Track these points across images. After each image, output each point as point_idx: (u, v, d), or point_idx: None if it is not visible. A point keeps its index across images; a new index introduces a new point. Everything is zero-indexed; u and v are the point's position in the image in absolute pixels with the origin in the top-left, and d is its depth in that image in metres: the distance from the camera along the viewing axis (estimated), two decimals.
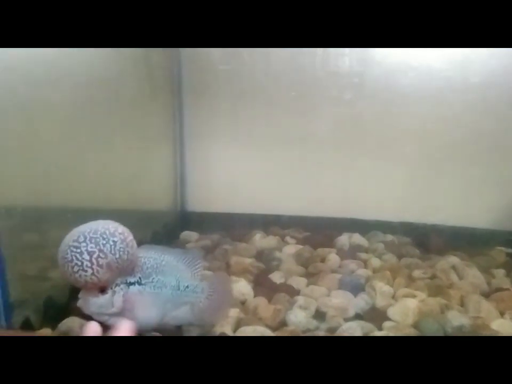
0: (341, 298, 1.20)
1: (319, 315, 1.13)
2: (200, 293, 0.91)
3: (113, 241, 0.80)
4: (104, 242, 0.79)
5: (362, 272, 1.39)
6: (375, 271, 1.40)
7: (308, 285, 1.30)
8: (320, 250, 1.55)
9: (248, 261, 1.43)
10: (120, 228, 0.83)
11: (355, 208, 1.76)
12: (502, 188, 1.68)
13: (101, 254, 0.79)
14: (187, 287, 0.90)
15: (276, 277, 1.33)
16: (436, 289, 1.26)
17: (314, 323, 1.10)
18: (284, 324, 1.09)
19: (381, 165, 1.72)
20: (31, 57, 0.99)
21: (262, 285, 1.27)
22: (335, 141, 1.75)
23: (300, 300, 1.17)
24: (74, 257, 0.78)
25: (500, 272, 1.40)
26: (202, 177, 1.87)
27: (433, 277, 1.36)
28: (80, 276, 0.78)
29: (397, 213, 1.74)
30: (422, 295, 1.22)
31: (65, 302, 1.08)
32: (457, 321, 1.07)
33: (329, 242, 1.62)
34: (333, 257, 1.48)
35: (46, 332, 0.99)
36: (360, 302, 1.19)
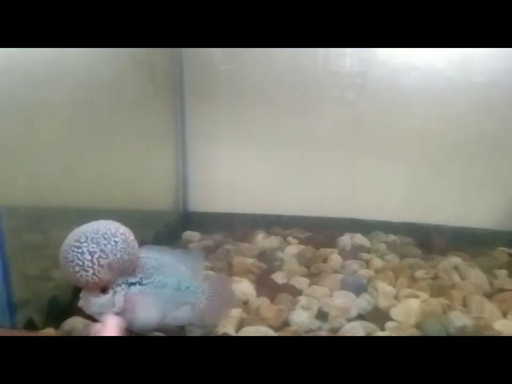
0: (343, 299, 1.20)
1: (322, 315, 1.14)
2: (200, 293, 0.91)
3: (115, 241, 0.80)
4: (106, 242, 0.79)
5: (364, 272, 1.39)
6: (377, 271, 1.40)
7: (310, 285, 1.30)
8: (322, 251, 1.55)
9: (250, 261, 1.43)
10: (122, 228, 0.83)
11: (357, 208, 1.76)
12: (504, 188, 1.67)
13: (102, 254, 0.79)
14: (188, 287, 0.90)
15: (278, 277, 1.33)
16: (438, 290, 1.26)
17: (316, 323, 1.10)
18: (286, 324, 1.09)
19: (383, 165, 1.72)
20: (32, 58, 0.99)
21: (264, 285, 1.27)
22: (337, 141, 1.75)
23: (302, 300, 1.17)
24: (75, 257, 0.78)
25: (502, 273, 1.40)
26: (204, 178, 1.87)
27: (435, 277, 1.36)
28: (81, 275, 0.79)
29: (399, 213, 1.74)
30: (424, 295, 1.22)
31: (69, 302, 1.08)
32: (459, 322, 1.07)
33: (331, 243, 1.62)
34: (335, 258, 1.48)
35: (49, 331, 0.99)
36: (362, 303, 1.19)
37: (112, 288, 0.83)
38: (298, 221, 1.78)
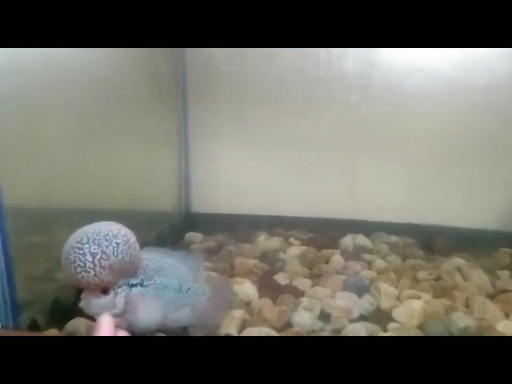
0: (345, 300, 1.20)
1: (324, 316, 1.14)
2: (201, 295, 0.91)
3: (116, 243, 0.81)
4: (107, 244, 0.80)
5: (366, 273, 1.39)
6: (379, 272, 1.40)
7: (312, 286, 1.30)
8: (325, 252, 1.55)
9: (252, 262, 1.43)
10: (123, 230, 0.83)
11: (359, 209, 1.76)
12: (507, 189, 1.67)
13: (103, 256, 0.79)
14: (189, 289, 0.90)
15: (281, 278, 1.34)
16: (441, 291, 1.26)
17: (319, 324, 1.10)
18: (289, 325, 1.09)
19: (385, 166, 1.72)
20: (36, 59, 1.00)
21: (266, 286, 1.28)
22: (339, 142, 1.76)
23: (305, 301, 1.18)
24: (77, 258, 0.79)
25: (505, 274, 1.40)
26: (207, 179, 1.87)
27: (438, 278, 1.36)
28: (82, 277, 0.79)
29: (401, 214, 1.74)
30: (426, 296, 1.22)
31: (72, 303, 1.08)
32: (462, 323, 1.07)
33: (333, 244, 1.62)
34: (337, 259, 1.48)
35: (52, 332, 0.99)
36: (364, 303, 1.19)
37: (113, 290, 0.83)
38: (300, 222, 1.78)
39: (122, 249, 0.81)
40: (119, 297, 0.84)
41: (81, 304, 0.85)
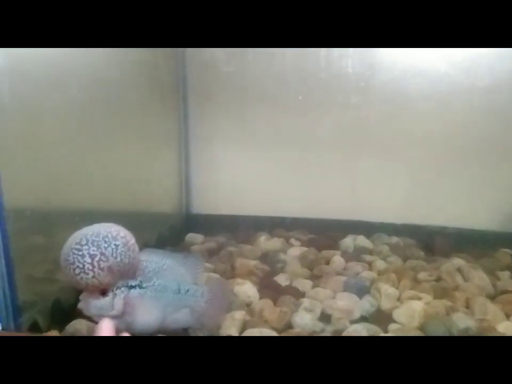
0: (346, 301, 1.20)
1: (325, 317, 1.14)
2: (199, 297, 0.91)
3: (115, 244, 0.81)
4: (106, 245, 0.80)
5: (367, 274, 1.39)
6: (380, 273, 1.40)
7: (313, 287, 1.30)
8: (325, 253, 1.55)
9: (253, 263, 1.43)
10: (122, 232, 0.84)
11: (359, 210, 1.76)
12: (507, 189, 1.67)
13: (102, 257, 0.79)
14: (188, 290, 0.90)
15: (281, 279, 1.34)
16: (442, 292, 1.26)
17: (320, 325, 1.10)
18: (289, 326, 1.09)
19: (386, 167, 1.72)
20: (37, 60, 1.00)
21: (267, 287, 1.27)
22: (340, 143, 1.76)
23: (305, 302, 1.18)
24: (76, 260, 0.79)
25: (506, 274, 1.40)
26: (208, 180, 1.87)
27: (438, 279, 1.36)
28: (81, 278, 0.79)
29: (402, 215, 1.74)
30: (427, 297, 1.22)
31: (73, 304, 1.08)
32: (463, 324, 1.07)
33: (333, 245, 1.62)
34: (338, 260, 1.48)
35: (53, 334, 0.99)
36: (365, 304, 1.19)
37: (112, 291, 0.84)
38: (301, 223, 1.79)
39: (121, 251, 0.81)
40: (117, 298, 0.84)
41: (80, 305, 0.85)
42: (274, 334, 1.04)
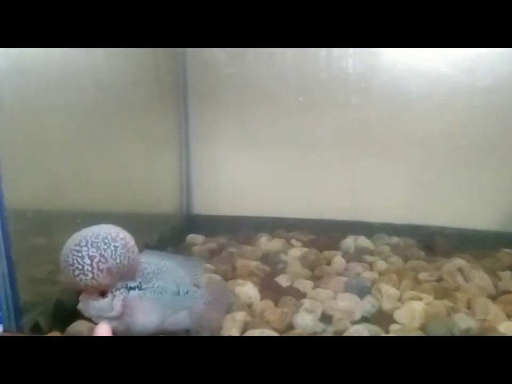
0: (347, 301, 1.20)
1: (326, 318, 1.13)
2: (198, 298, 0.91)
3: (115, 246, 0.81)
4: (106, 247, 0.80)
5: (368, 274, 1.38)
6: (381, 273, 1.40)
7: (314, 288, 1.30)
8: (326, 253, 1.55)
9: (253, 264, 1.43)
10: (122, 233, 0.84)
11: (360, 211, 1.76)
12: (508, 189, 1.67)
13: (101, 259, 0.80)
14: (187, 292, 0.90)
15: (282, 280, 1.34)
16: (443, 292, 1.25)
17: (321, 326, 1.10)
18: (290, 327, 1.09)
19: (387, 167, 1.72)
20: (38, 61, 1.00)
21: (268, 288, 1.27)
22: (340, 144, 1.76)
23: (306, 303, 1.17)
24: (75, 261, 0.79)
25: (507, 275, 1.40)
26: (208, 180, 1.88)
27: (439, 279, 1.36)
28: (80, 279, 0.80)
29: (402, 215, 1.74)
30: (428, 297, 1.22)
31: (74, 305, 1.08)
32: (464, 324, 1.07)
33: (334, 245, 1.62)
34: (339, 260, 1.48)
35: (55, 335, 0.99)
36: (366, 305, 1.19)
37: (111, 292, 0.84)
38: (301, 224, 1.79)
39: (121, 253, 0.82)
40: (117, 300, 0.84)
41: (79, 306, 0.85)
42: (275, 334, 1.04)
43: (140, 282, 0.86)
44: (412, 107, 1.65)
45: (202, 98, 1.81)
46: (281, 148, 1.78)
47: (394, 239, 1.68)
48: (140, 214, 1.50)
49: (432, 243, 1.63)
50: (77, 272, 0.79)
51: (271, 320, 1.10)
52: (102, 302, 0.83)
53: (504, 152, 1.64)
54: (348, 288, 1.28)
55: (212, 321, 0.96)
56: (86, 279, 0.79)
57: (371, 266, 1.45)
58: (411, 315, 1.12)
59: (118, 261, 0.81)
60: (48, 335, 0.99)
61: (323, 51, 1.66)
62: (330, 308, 1.16)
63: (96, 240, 0.80)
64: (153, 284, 0.87)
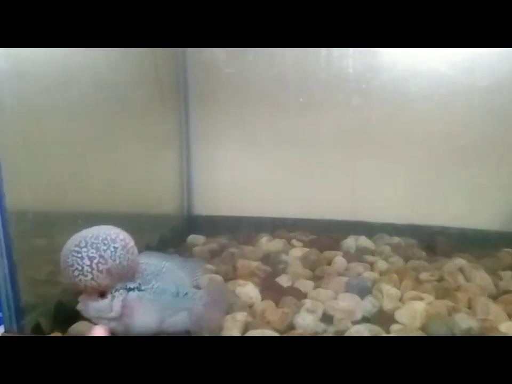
0: (348, 301, 1.20)
1: (327, 318, 1.13)
2: (198, 300, 0.92)
3: (114, 247, 0.81)
4: (105, 248, 0.80)
5: (369, 274, 1.38)
6: (381, 273, 1.40)
7: (314, 288, 1.30)
8: (327, 253, 1.55)
9: (254, 264, 1.43)
10: (122, 234, 0.84)
11: (361, 211, 1.76)
12: (509, 189, 1.67)
13: (101, 260, 0.80)
14: (186, 294, 0.90)
15: (283, 280, 1.34)
16: (443, 292, 1.25)
17: (322, 326, 1.10)
18: (291, 327, 1.09)
19: (387, 167, 1.72)
20: (39, 61, 1.00)
21: (269, 288, 1.27)
22: (341, 144, 1.76)
23: (307, 303, 1.17)
24: (75, 262, 0.79)
25: (508, 274, 1.40)
26: (209, 181, 1.88)
27: (440, 279, 1.35)
28: (80, 280, 0.80)
29: (403, 215, 1.74)
30: (429, 297, 1.22)
31: (75, 306, 1.08)
32: (465, 324, 1.07)
33: (335, 245, 1.62)
34: (340, 260, 1.48)
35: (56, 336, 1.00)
36: (367, 305, 1.19)
37: (111, 293, 0.84)
38: (302, 224, 1.79)
39: (120, 254, 0.82)
40: (116, 301, 0.84)
41: (79, 307, 0.86)
42: (276, 335, 1.04)
43: (140, 283, 0.86)
44: (412, 107, 1.65)
45: (203, 98, 1.81)
46: (282, 148, 1.78)
47: (395, 239, 1.68)
48: (141, 214, 1.50)
49: (433, 243, 1.63)
50: (76, 273, 0.79)
51: (272, 320, 1.10)
52: (102, 303, 0.83)
53: (504, 152, 1.64)
54: (348, 288, 1.28)
55: (211, 322, 0.96)
56: (86, 280, 0.80)
57: (372, 266, 1.45)
58: (412, 315, 1.12)
59: (117, 262, 0.81)
60: (50, 336, 0.99)
61: (323, 51, 1.66)
62: (331, 308, 1.16)
63: (96, 241, 0.81)
64: (153, 285, 0.87)
